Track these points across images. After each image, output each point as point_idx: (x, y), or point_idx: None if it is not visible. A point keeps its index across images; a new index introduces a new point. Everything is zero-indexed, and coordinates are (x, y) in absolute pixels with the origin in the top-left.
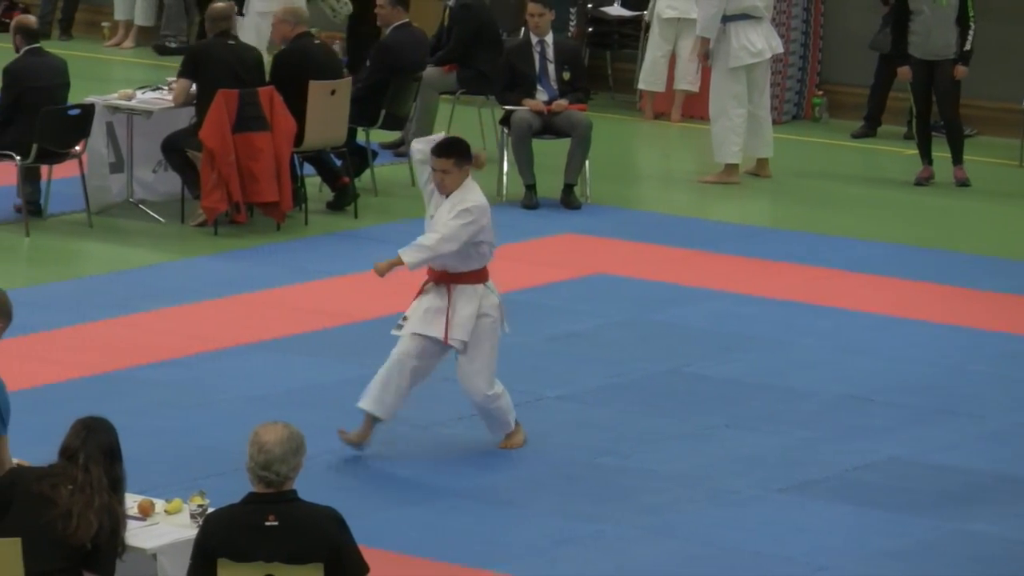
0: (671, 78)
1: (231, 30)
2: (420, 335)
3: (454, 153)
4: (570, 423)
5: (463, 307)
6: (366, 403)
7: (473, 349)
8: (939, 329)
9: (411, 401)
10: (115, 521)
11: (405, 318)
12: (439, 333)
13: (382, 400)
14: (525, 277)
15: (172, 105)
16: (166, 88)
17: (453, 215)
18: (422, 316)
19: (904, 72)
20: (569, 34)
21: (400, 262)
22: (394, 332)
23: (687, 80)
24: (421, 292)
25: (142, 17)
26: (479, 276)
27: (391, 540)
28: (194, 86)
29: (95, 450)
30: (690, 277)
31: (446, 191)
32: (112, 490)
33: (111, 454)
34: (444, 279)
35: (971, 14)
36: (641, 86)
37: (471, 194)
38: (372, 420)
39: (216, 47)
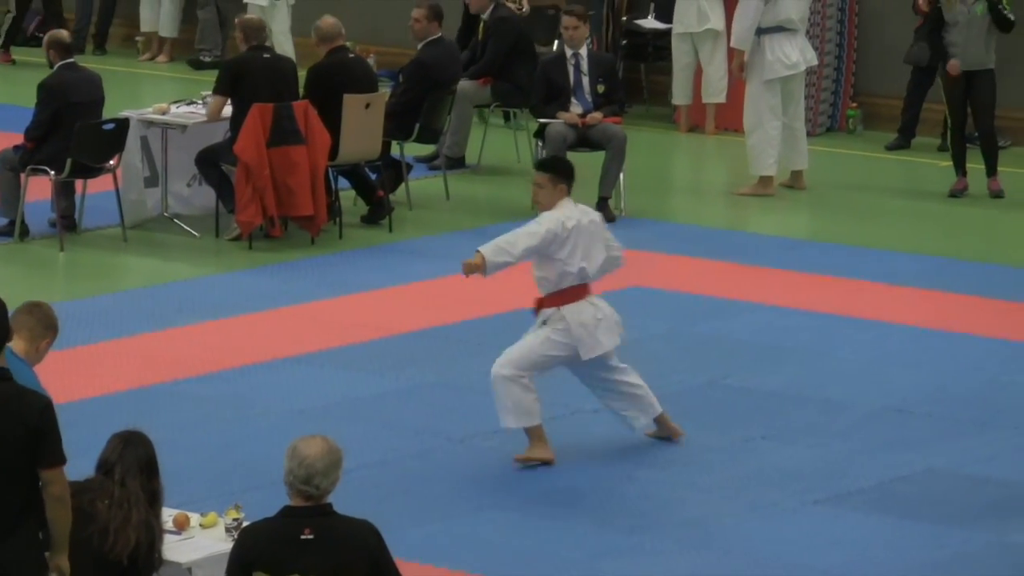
0: (699, 90)
1: (265, 43)
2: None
3: (550, 169)
4: (608, 436)
5: (575, 319)
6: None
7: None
8: (976, 341)
9: (446, 415)
10: (152, 536)
11: None
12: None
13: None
14: None
15: (206, 119)
16: (201, 102)
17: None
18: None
19: (954, 66)
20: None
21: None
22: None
23: (712, 92)
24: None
25: (167, 29)
26: (581, 292)
27: (428, 554)
28: (229, 101)
29: (132, 464)
30: (727, 289)
31: (541, 206)
32: (149, 504)
33: (148, 468)
34: (551, 303)
35: (1007, 14)
36: (675, 101)
37: (555, 211)
38: (530, 432)
39: (252, 61)
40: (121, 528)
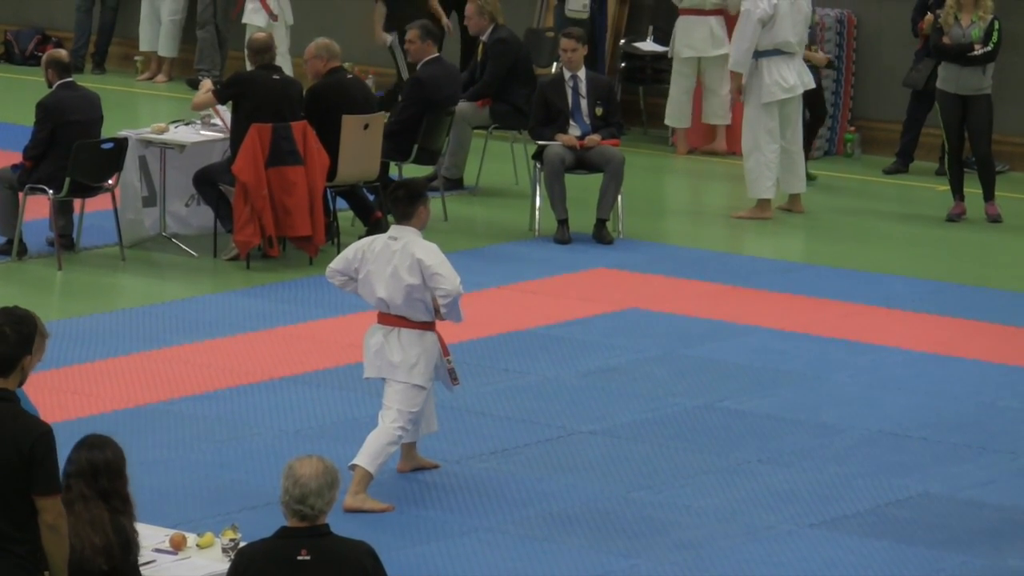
0: (697, 113)
1: (273, 62)
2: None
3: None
4: (604, 458)
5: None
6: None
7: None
8: (973, 365)
9: (442, 436)
10: (123, 537)
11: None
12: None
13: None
14: (558, 312)
15: (204, 139)
16: (199, 122)
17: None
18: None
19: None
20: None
21: None
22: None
23: (721, 114)
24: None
25: (166, 48)
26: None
27: (423, 574)
28: (227, 113)
29: (76, 465)
30: (724, 312)
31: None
32: (104, 501)
33: (96, 469)
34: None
35: (995, 40)
36: (668, 122)
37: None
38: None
39: (260, 80)
40: (79, 529)
